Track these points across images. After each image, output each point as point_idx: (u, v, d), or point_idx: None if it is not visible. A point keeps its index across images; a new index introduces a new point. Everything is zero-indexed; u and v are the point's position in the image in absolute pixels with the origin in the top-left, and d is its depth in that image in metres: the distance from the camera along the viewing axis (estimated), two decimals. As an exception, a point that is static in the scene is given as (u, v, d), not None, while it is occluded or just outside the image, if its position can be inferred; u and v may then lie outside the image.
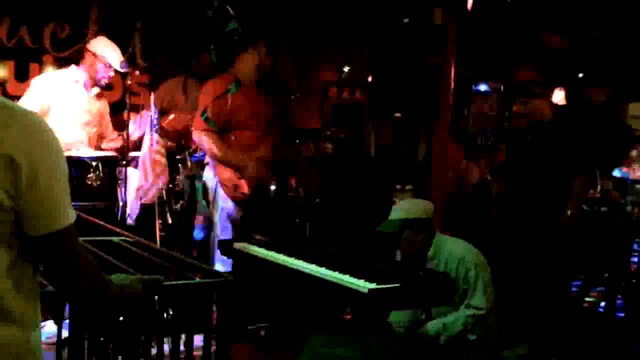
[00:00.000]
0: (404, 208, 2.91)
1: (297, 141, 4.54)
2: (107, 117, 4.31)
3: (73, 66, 4.09)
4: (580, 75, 7.15)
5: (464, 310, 2.74)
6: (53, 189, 1.35)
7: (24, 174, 1.30)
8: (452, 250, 2.81)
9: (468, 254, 2.80)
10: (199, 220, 4.34)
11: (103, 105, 4.26)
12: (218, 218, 3.92)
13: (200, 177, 4.22)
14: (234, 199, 3.87)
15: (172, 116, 4.36)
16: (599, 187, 5.15)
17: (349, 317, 3.58)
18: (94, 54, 3.97)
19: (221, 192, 3.91)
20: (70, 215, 1.38)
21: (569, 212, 3.71)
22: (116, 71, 4.14)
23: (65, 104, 3.95)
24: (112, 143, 4.28)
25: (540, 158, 3.84)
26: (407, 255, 2.87)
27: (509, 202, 4.07)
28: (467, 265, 2.75)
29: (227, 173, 3.87)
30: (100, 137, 4.27)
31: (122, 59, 4.06)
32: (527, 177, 3.89)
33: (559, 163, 3.78)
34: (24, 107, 1.40)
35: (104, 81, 4.06)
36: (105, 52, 3.97)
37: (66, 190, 1.38)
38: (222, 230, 3.87)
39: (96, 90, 4.13)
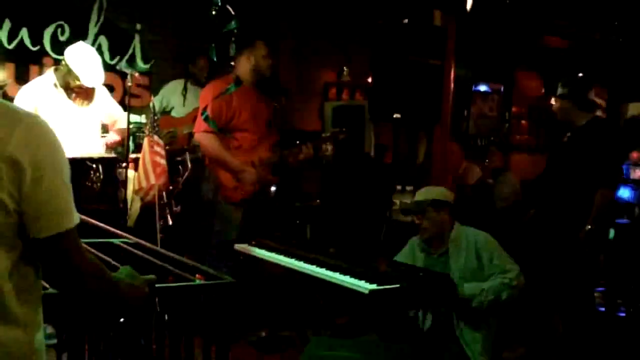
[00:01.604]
0: (428, 190, 3.18)
1: (297, 142, 4.53)
2: (100, 119, 4.19)
3: (51, 69, 4.07)
4: (580, 75, 7.15)
5: (498, 277, 2.86)
6: (58, 191, 1.36)
7: (28, 175, 1.31)
8: (475, 236, 2.99)
9: (489, 238, 2.99)
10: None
11: (92, 105, 4.11)
12: (219, 220, 3.91)
13: (202, 178, 4.22)
14: (234, 201, 3.87)
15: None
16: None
17: (349, 318, 3.58)
18: (68, 67, 3.90)
19: (222, 194, 3.91)
20: (75, 217, 1.40)
21: (587, 227, 3.43)
22: (118, 70, 4.13)
23: (48, 108, 3.89)
24: (113, 134, 4.25)
25: (571, 166, 3.62)
26: (428, 234, 3.04)
27: (539, 206, 3.91)
28: (490, 247, 2.94)
29: (227, 175, 3.87)
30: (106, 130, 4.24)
31: (97, 73, 3.94)
32: (558, 183, 3.66)
33: (586, 172, 3.51)
34: (28, 110, 1.41)
35: (76, 90, 3.97)
36: (79, 67, 3.88)
37: (70, 192, 1.40)
38: (224, 233, 3.87)
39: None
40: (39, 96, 3.92)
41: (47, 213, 1.35)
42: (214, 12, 4.84)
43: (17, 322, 1.37)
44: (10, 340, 1.36)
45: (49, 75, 4.02)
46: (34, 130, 1.35)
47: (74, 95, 4.01)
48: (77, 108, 4.04)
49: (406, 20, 4.62)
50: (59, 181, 1.37)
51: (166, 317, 2.07)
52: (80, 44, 4.01)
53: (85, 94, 4.05)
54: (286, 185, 4.29)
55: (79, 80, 3.89)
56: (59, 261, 1.40)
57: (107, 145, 4.24)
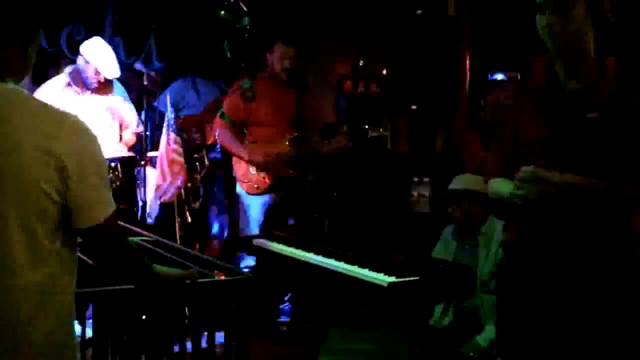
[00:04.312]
0: (465, 180, 3.10)
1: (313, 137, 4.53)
2: (121, 112, 4.25)
3: (67, 69, 4.10)
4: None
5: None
6: (97, 186, 1.49)
7: (73, 172, 1.43)
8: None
9: None
10: (213, 210, 4.36)
11: (109, 102, 4.17)
12: (243, 220, 3.93)
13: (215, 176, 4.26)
14: (252, 194, 3.89)
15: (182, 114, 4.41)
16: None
17: (369, 311, 3.58)
18: (86, 60, 3.95)
19: (243, 193, 3.92)
20: (109, 208, 1.52)
21: None
22: (134, 69, 4.16)
23: (65, 108, 3.94)
24: (127, 132, 4.29)
25: None
26: (460, 224, 2.99)
27: None
28: None
29: (242, 167, 3.90)
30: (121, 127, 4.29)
31: (114, 65, 3.99)
32: None
33: None
34: (71, 113, 1.54)
35: (93, 85, 4.02)
36: (96, 59, 3.93)
37: (107, 185, 1.54)
38: (250, 232, 3.89)
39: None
40: (54, 97, 3.96)
41: (87, 207, 1.47)
42: (225, 11, 4.85)
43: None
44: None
45: (62, 76, 4.07)
46: (78, 128, 1.49)
47: (89, 91, 4.05)
48: (94, 103, 4.08)
49: (420, 11, 4.58)
50: (98, 176, 1.50)
51: (187, 313, 2.09)
52: (94, 39, 4.07)
53: (102, 89, 4.09)
54: (304, 179, 4.29)
55: (97, 72, 3.93)
56: (99, 246, 1.59)
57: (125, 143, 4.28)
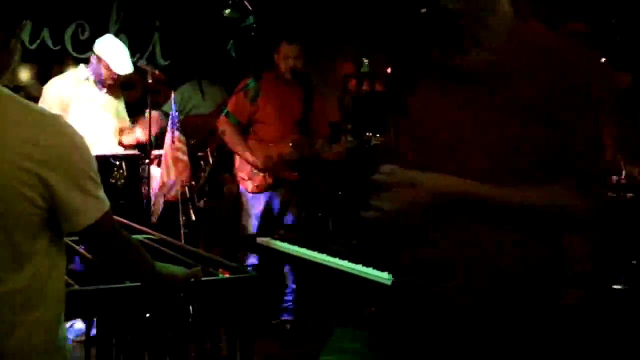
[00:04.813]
0: None
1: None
2: (124, 111, 4.27)
3: (82, 65, 4.11)
4: (604, 60, 7.00)
5: None
6: (83, 188, 1.44)
7: (55, 177, 1.38)
8: None
9: None
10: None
11: (117, 101, 4.20)
12: (245, 218, 3.93)
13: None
14: (254, 192, 3.90)
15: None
16: (623, 172, 5.05)
17: (374, 309, 3.58)
18: (98, 57, 3.96)
19: (245, 192, 3.92)
20: (100, 207, 1.48)
21: None
22: (138, 67, 4.17)
23: (79, 103, 3.95)
24: (129, 136, 4.29)
25: None
26: None
27: None
28: None
29: (244, 167, 3.90)
30: (120, 130, 4.29)
31: (126, 61, 4.00)
32: None
33: None
34: (52, 112, 1.49)
35: (107, 82, 4.01)
36: (109, 56, 3.93)
37: (96, 184, 1.49)
38: (252, 230, 3.89)
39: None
40: (70, 90, 3.97)
41: (76, 210, 1.43)
42: (230, 10, 4.85)
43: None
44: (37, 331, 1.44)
45: (81, 69, 4.07)
46: (60, 130, 1.42)
47: (105, 89, 4.06)
48: (106, 102, 4.09)
49: (424, 9, 4.58)
50: (85, 177, 1.45)
51: (191, 311, 2.10)
52: (107, 36, 4.08)
53: (114, 91, 4.11)
54: (308, 178, 4.28)
55: (109, 69, 3.94)
56: (96, 246, 1.57)
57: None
